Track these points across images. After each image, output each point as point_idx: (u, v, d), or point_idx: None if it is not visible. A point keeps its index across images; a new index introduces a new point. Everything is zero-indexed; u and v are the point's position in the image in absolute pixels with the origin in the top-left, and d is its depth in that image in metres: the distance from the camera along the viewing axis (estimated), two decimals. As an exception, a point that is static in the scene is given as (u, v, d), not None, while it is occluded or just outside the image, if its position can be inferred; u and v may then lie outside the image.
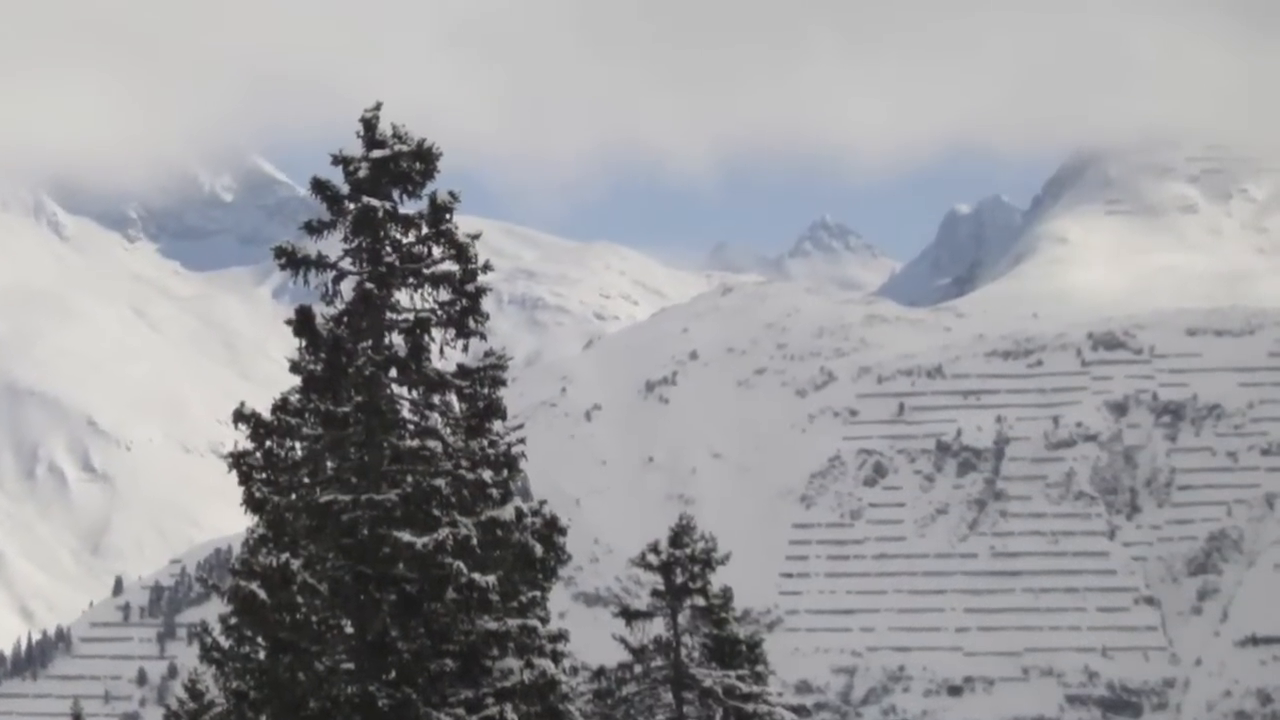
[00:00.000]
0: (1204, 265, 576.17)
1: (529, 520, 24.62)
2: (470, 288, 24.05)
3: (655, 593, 31.31)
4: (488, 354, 24.36)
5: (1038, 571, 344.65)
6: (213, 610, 26.19)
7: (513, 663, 23.79)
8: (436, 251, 24.17)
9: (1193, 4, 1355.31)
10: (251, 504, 23.80)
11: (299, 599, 23.02)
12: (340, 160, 24.09)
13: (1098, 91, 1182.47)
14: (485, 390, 24.27)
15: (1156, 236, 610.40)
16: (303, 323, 23.79)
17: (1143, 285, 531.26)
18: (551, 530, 24.92)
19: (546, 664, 23.90)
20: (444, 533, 23.21)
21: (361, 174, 24.00)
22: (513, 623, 23.94)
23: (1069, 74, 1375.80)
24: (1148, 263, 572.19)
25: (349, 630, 23.80)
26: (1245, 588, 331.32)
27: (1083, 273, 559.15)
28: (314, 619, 23.30)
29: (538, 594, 24.90)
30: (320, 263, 24.01)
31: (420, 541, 23.16)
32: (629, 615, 31.15)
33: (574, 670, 26.91)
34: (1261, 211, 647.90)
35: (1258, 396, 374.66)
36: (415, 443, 23.75)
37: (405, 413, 24.21)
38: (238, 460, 23.87)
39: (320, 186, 24.10)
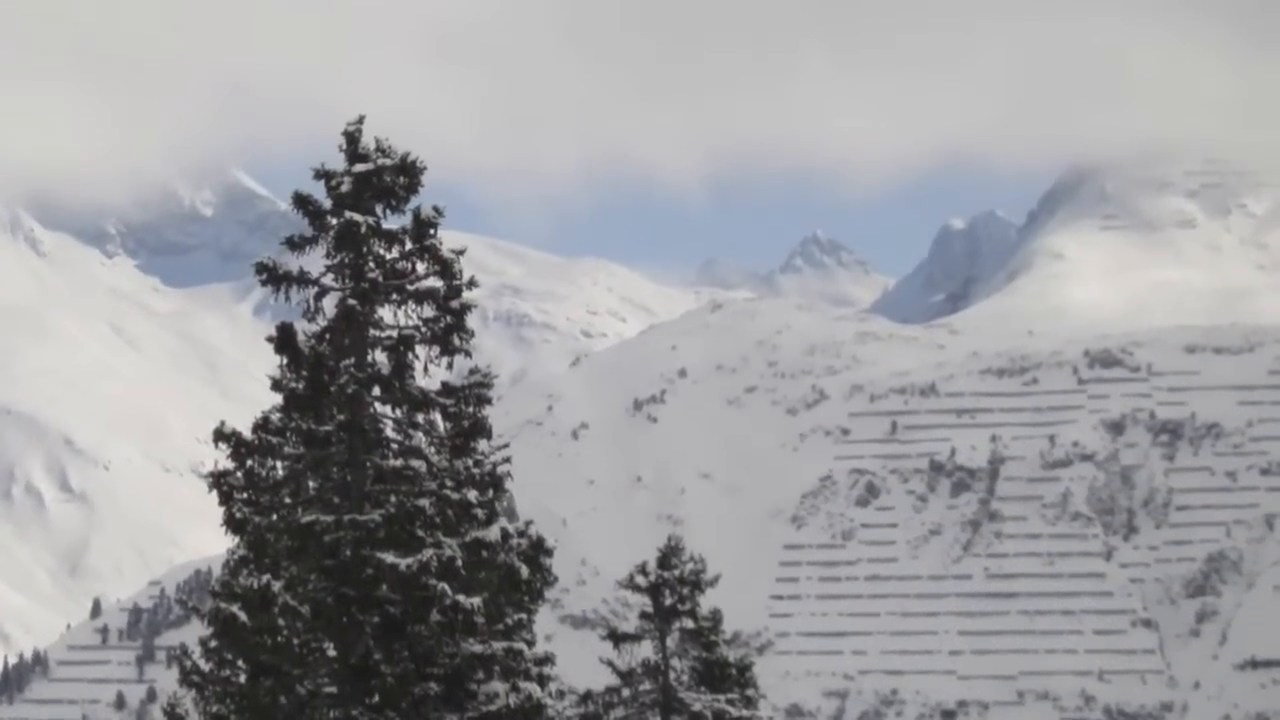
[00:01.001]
0: (1202, 281, 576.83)
1: (515, 541, 24.48)
2: (455, 304, 23.87)
3: (643, 615, 31.03)
4: (473, 372, 24.18)
5: (1033, 593, 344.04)
6: (193, 633, 25.89)
7: (498, 686, 23.63)
8: (420, 267, 24.00)
9: (1191, 17, 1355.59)
10: (232, 524, 23.61)
11: (280, 621, 22.84)
12: (322, 174, 23.88)
13: (1094, 105, 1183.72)
14: (470, 409, 24.09)
15: (1154, 252, 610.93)
16: (284, 340, 23.58)
17: (1140, 302, 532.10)
18: (537, 551, 24.78)
19: (532, 688, 23.75)
20: (428, 554, 23.05)
21: (344, 188, 23.80)
22: (498, 645, 23.81)
23: (1065, 87, 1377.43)
24: (1145, 279, 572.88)
25: (331, 653, 23.64)
26: (1244, 610, 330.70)
27: (1079, 289, 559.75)
28: (295, 642, 23.11)
29: (523, 616, 24.79)
30: (302, 279, 23.82)
31: (404, 563, 23.01)
32: (616, 638, 30.84)
33: (560, 694, 26.71)
34: (1261, 227, 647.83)
35: (1257, 415, 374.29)
36: (399, 462, 23.59)
37: (389, 432, 24.05)
38: (218, 480, 23.67)
39: (302, 201, 23.88)
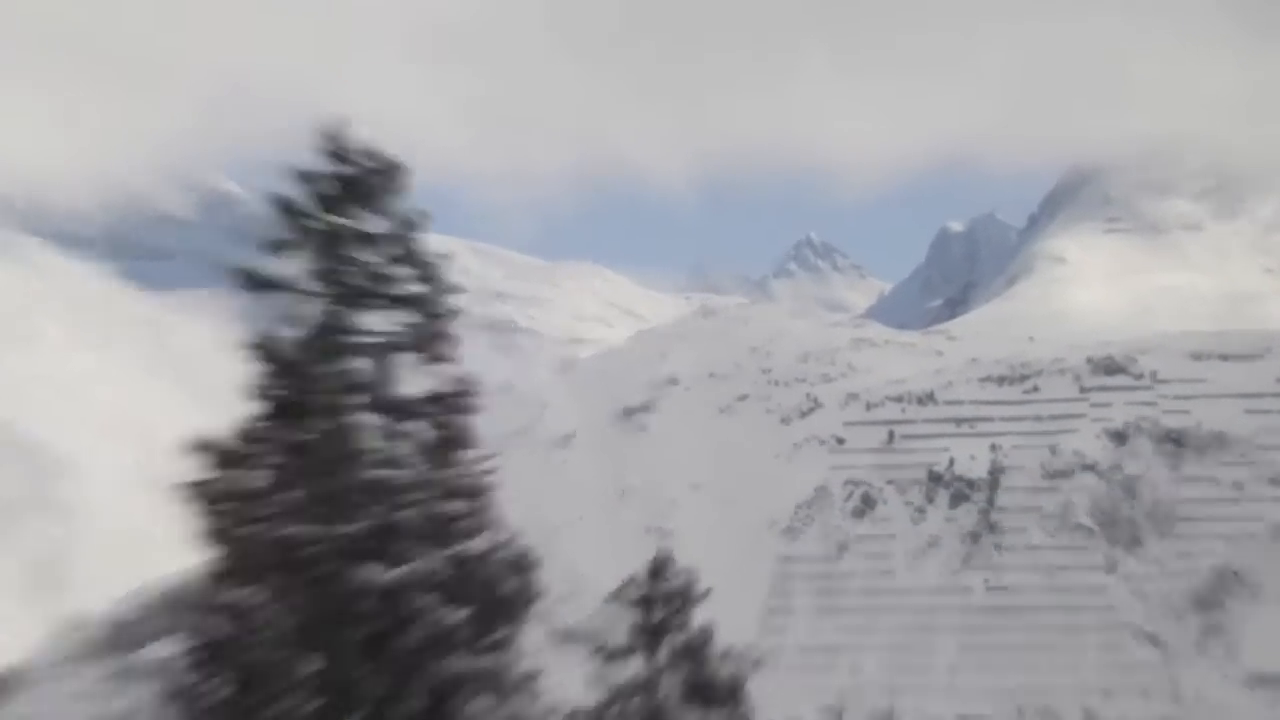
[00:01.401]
0: (1208, 286, 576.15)
1: (501, 554, 24.14)
2: (439, 310, 23.57)
3: (633, 630, 30.73)
4: (457, 379, 23.86)
5: (1034, 607, 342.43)
6: (173, 647, 25.56)
7: (483, 702, 23.30)
8: (404, 272, 23.68)
9: (1195, 14, 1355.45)
10: (212, 536, 23.24)
11: (261, 635, 22.48)
12: (304, 177, 23.52)
13: (1096, 105, 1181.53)
14: (455, 417, 23.77)
15: (1158, 256, 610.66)
16: (265, 347, 23.22)
17: (1144, 307, 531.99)
18: (524, 564, 24.44)
19: (519, 704, 23.43)
20: (412, 567, 22.70)
21: (326, 192, 23.45)
22: (483, 661, 23.46)
23: (1066, 87, 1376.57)
24: (1149, 283, 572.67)
25: (313, 668, 23.23)
26: (1252, 624, 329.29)
27: (1081, 294, 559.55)
28: (277, 656, 22.76)
29: (510, 631, 24.41)
30: (283, 284, 23.47)
31: (387, 576, 22.65)
32: (605, 653, 30.54)
33: (547, 710, 26.34)
34: (1268, 230, 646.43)
35: (1265, 424, 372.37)
36: (382, 473, 23.23)
37: (371, 441, 23.65)
38: (198, 490, 23.30)
39: (283, 205, 23.53)
